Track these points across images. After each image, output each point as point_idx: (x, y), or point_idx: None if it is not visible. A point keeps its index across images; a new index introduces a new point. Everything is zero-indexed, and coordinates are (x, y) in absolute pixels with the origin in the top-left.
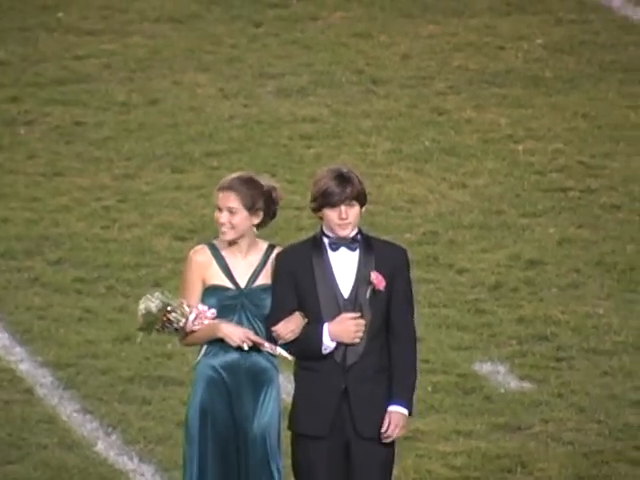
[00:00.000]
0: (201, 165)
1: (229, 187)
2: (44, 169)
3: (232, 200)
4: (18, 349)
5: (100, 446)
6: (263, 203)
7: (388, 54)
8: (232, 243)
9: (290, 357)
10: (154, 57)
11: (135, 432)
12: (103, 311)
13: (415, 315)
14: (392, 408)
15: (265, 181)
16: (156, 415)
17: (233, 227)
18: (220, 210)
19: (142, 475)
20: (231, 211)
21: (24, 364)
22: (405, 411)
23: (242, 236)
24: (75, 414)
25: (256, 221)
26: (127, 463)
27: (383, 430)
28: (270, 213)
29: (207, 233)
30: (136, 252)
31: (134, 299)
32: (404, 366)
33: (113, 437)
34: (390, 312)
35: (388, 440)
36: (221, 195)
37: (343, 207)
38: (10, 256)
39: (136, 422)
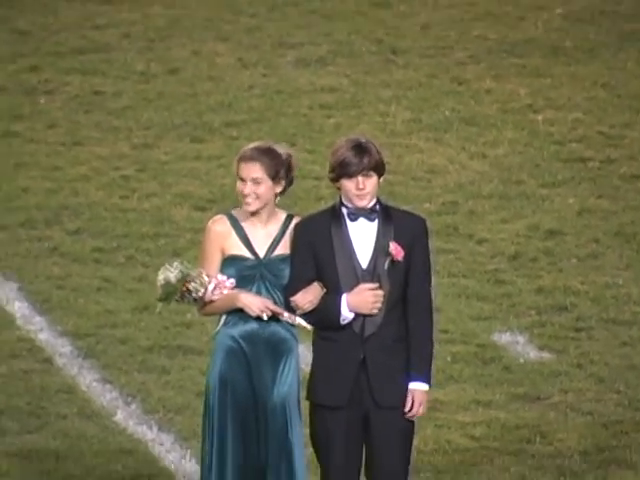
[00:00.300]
0: (220, 135)
1: (252, 157)
2: (64, 138)
3: (256, 170)
4: (37, 318)
5: (119, 416)
6: (284, 171)
7: (407, 24)
8: (253, 213)
9: (309, 327)
10: (173, 26)
11: (154, 401)
12: (122, 281)
13: (434, 285)
14: (413, 385)
15: (282, 149)
16: (175, 384)
17: (258, 197)
18: (243, 181)
19: (161, 444)
20: (256, 181)
21: (43, 333)
22: (426, 386)
23: (265, 206)
24: (94, 384)
25: (278, 190)
26: (146, 432)
27: (407, 409)
28: (289, 181)
29: (226, 203)
30: (155, 222)
31: (153, 269)
32: (421, 338)
33: (132, 406)
34: (408, 283)
35: (413, 418)
36: (244, 166)
37: (360, 177)
38: (30, 226)
39: (155, 391)
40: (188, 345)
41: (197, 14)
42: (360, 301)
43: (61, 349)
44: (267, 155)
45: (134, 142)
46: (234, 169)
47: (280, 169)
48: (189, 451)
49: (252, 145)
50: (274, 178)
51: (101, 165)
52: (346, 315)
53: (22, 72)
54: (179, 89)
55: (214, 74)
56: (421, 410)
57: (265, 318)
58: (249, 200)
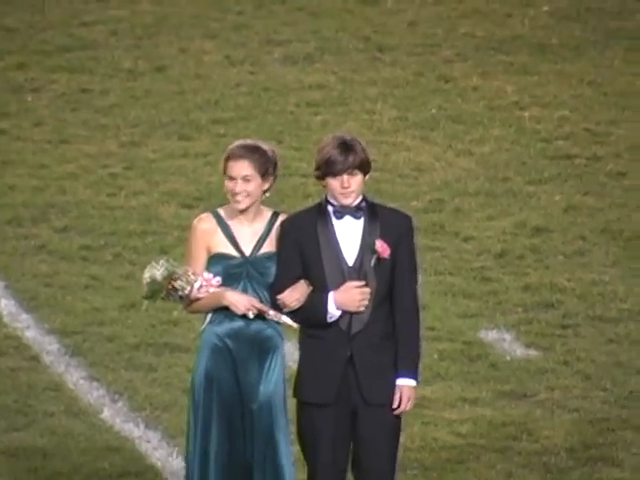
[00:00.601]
0: (207, 132)
1: (241, 155)
2: (50, 136)
3: (246, 168)
4: (24, 316)
5: (106, 413)
6: (272, 168)
7: (395, 21)
8: (241, 211)
9: (295, 325)
10: (161, 24)
11: (141, 399)
12: (109, 278)
13: (420, 283)
14: (400, 382)
15: (267, 145)
16: (162, 382)
17: (249, 195)
18: (233, 179)
19: (148, 442)
20: (246, 179)
21: (30, 331)
22: (413, 382)
23: (253, 203)
24: (81, 381)
25: (266, 186)
26: (133, 430)
27: (395, 405)
28: (275, 176)
29: (213, 201)
30: (142, 220)
31: (140, 267)
32: (408, 335)
33: (119, 404)
34: (394, 280)
35: (401, 414)
36: (233, 164)
37: (345, 176)
38: (17, 223)
39: (142, 389)
40: (175, 343)
41: (185, 11)
42: (347, 299)
43: (48, 347)
44: (256, 152)
45: (122, 140)
46: (221, 168)
47: (269, 166)
48: (176, 449)
49: (238, 143)
50: (263, 175)
51: (88, 163)
52: (333, 313)
53: (9, 70)
54: (166, 87)
55: (201, 72)
56: (409, 406)
57: (251, 316)
58: (239, 198)
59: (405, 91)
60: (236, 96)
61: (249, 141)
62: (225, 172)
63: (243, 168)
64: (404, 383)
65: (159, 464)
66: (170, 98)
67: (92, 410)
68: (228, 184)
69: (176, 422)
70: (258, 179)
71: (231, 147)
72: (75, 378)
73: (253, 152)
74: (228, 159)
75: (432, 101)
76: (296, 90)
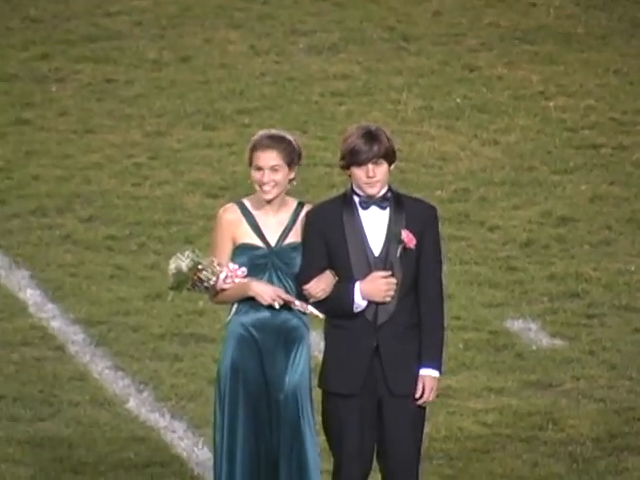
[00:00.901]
0: (232, 122)
1: (269, 145)
2: (75, 126)
3: (274, 158)
4: (50, 306)
5: (132, 403)
6: (297, 158)
7: (419, 11)
8: (267, 201)
9: (321, 315)
10: (185, 14)
11: (167, 389)
12: (134, 268)
13: (446, 272)
14: (424, 372)
15: (291, 135)
16: (188, 372)
17: (276, 184)
18: (260, 169)
19: (174, 432)
20: (274, 169)
21: (56, 321)
22: (436, 373)
23: (281, 193)
24: (107, 371)
25: (292, 176)
26: (159, 420)
27: (417, 395)
28: (299, 166)
29: (238, 190)
30: (167, 209)
31: (165, 256)
32: (432, 326)
33: (145, 394)
34: (419, 270)
35: (424, 404)
36: (261, 154)
37: (370, 165)
38: (42, 213)
39: (168, 379)
40: (200, 333)
41: (209, 1)
42: (373, 289)
43: (73, 337)
44: (282, 142)
45: (146, 130)
46: (246, 158)
47: (294, 156)
48: (201, 439)
49: (263, 133)
50: (290, 164)
51: (113, 153)
52: (359, 303)
53: (33, 60)
54: (191, 77)
55: (226, 62)
56: (431, 397)
57: (277, 307)
58: (267, 188)
59: (430, 81)
60: (261, 86)
61: (274, 131)
62: (251, 162)
63: (271, 158)
64: (427, 373)
65: (184, 454)
66: (195, 88)
67: (117, 400)
68: (255, 174)
69: (201, 412)
70: (285, 169)
71: (256, 137)
72: (100, 368)
73: (280, 142)
74: (255, 149)
75: (457, 90)
76: (321, 80)
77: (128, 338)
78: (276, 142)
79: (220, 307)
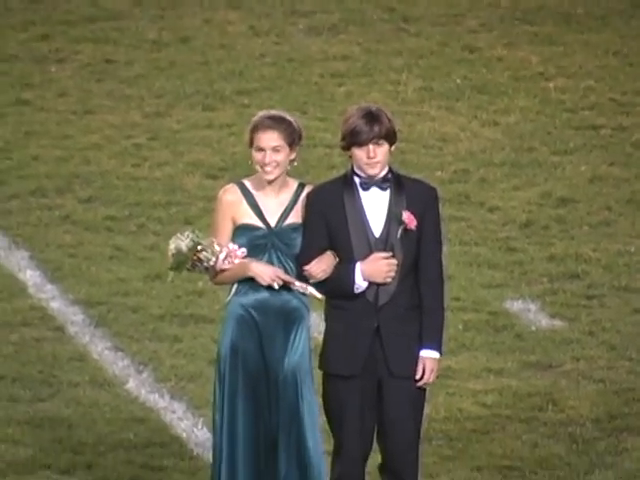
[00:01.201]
0: (232, 103)
1: (270, 126)
2: (75, 107)
3: (275, 138)
4: (49, 287)
5: (131, 384)
6: (298, 138)
7: None
8: (268, 182)
9: (320, 296)
10: None
11: (166, 370)
12: (134, 249)
13: (446, 253)
14: (424, 353)
15: (290, 116)
16: (187, 353)
17: (278, 165)
18: (261, 150)
19: (173, 412)
20: (275, 149)
21: (55, 302)
22: (437, 354)
23: (282, 174)
24: (106, 352)
25: (293, 156)
26: (158, 401)
27: (418, 377)
28: (299, 146)
29: (238, 171)
30: (167, 190)
31: (165, 237)
32: (432, 307)
33: (144, 375)
34: (419, 252)
35: (425, 386)
36: (262, 135)
37: (371, 146)
38: (41, 194)
39: (167, 360)
40: (200, 313)
41: None
42: (374, 270)
43: (73, 317)
44: (283, 123)
45: (146, 111)
46: (247, 139)
47: (295, 136)
48: (201, 419)
49: (263, 114)
50: (291, 145)
51: (113, 133)
52: (360, 284)
53: (33, 40)
54: (191, 57)
55: (226, 42)
56: (432, 378)
57: (276, 287)
58: (269, 169)
59: (430, 61)
60: (260, 67)
61: (274, 112)
62: (252, 144)
63: (272, 139)
64: (427, 355)
65: (184, 435)
66: (194, 69)
67: (117, 381)
68: (257, 155)
69: (201, 393)
70: (287, 149)
71: (257, 118)
72: (100, 349)
73: (281, 122)
74: (256, 130)
75: (457, 71)
76: (320, 61)
77: (127, 319)
78: (277, 123)
79: (219, 288)
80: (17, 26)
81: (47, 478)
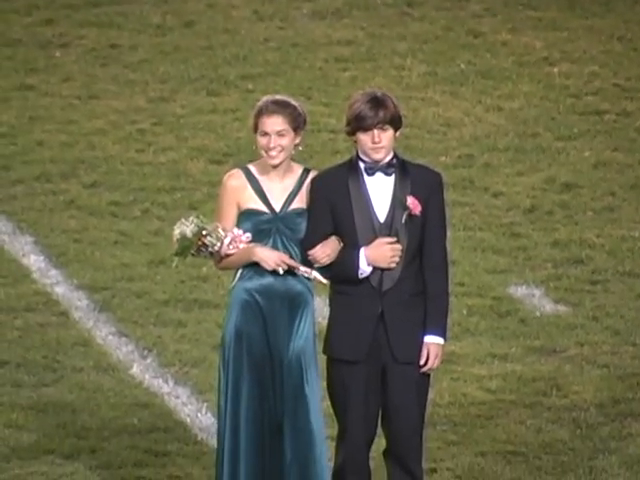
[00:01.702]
0: (236, 88)
1: (274, 111)
2: (79, 92)
3: (280, 123)
4: (53, 272)
5: (135, 369)
6: (302, 123)
7: None
8: (273, 167)
9: (325, 281)
10: None
11: (170, 355)
12: (138, 234)
13: (450, 239)
14: (428, 339)
15: (295, 101)
16: (191, 338)
17: (283, 149)
18: (266, 135)
19: (177, 397)
20: (280, 134)
21: (59, 287)
22: (441, 340)
23: (286, 158)
24: (110, 337)
25: (298, 141)
26: (162, 386)
27: (422, 362)
28: (304, 131)
29: (242, 156)
30: (171, 175)
31: (169, 222)
32: (437, 292)
33: (148, 360)
34: (424, 237)
35: (429, 371)
36: (267, 120)
37: (376, 131)
38: (45, 179)
39: (171, 345)
40: (204, 298)
41: None
42: (378, 255)
43: (77, 302)
44: (288, 107)
45: (150, 95)
46: (251, 124)
47: (300, 120)
48: (205, 404)
49: (268, 99)
50: (296, 129)
51: (117, 118)
52: (364, 269)
53: (37, 25)
54: (195, 42)
55: (230, 27)
56: (436, 363)
57: (281, 272)
58: (274, 153)
59: (434, 46)
60: (265, 51)
61: (278, 96)
62: (257, 128)
63: (277, 123)
64: (431, 340)
65: (188, 420)
66: (199, 53)
67: (121, 366)
68: (261, 140)
69: (205, 378)
70: (291, 133)
71: (261, 103)
72: (104, 334)
73: (285, 107)
74: (260, 115)
75: (461, 56)
76: (325, 45)
77: (132, 304)
78: (282, 107)
79: (224, 273)
80: (21, 10)
81: (51, 463)
